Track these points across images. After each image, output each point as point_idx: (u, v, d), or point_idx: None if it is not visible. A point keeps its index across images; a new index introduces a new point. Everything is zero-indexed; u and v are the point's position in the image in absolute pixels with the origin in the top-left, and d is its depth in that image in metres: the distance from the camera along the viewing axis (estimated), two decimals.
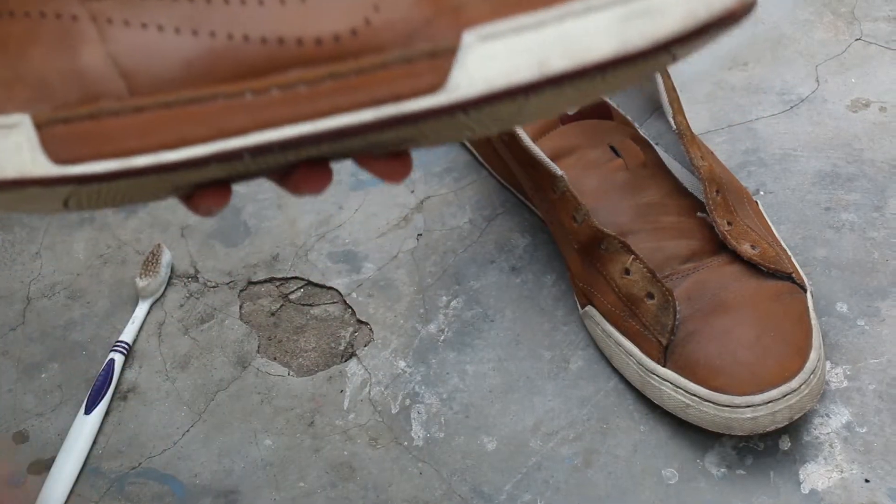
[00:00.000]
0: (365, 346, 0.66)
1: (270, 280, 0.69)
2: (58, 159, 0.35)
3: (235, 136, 0.35)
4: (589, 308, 0.61)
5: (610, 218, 0.60)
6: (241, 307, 0.68)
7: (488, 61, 0.34)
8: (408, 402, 0.62)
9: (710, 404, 0.54)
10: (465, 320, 0.66)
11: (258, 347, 0.67)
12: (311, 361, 0.66)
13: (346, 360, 0.65)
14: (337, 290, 0.68)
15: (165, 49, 0.36)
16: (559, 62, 0.33)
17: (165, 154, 0.35)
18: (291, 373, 0.65)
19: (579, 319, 0.64)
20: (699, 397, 0.55)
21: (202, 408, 0.64)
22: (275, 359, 0.66)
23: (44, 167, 0.35)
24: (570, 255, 0.62)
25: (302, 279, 0.69)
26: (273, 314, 0.68)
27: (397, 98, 0.34)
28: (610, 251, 0.58)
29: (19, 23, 0.37)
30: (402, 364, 0.64)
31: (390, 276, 0.68)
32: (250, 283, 0.69)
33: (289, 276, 0.69)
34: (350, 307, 0.68)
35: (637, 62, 0.34)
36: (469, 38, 0.34)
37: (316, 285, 0.68)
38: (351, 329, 0.67)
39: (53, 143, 0.36)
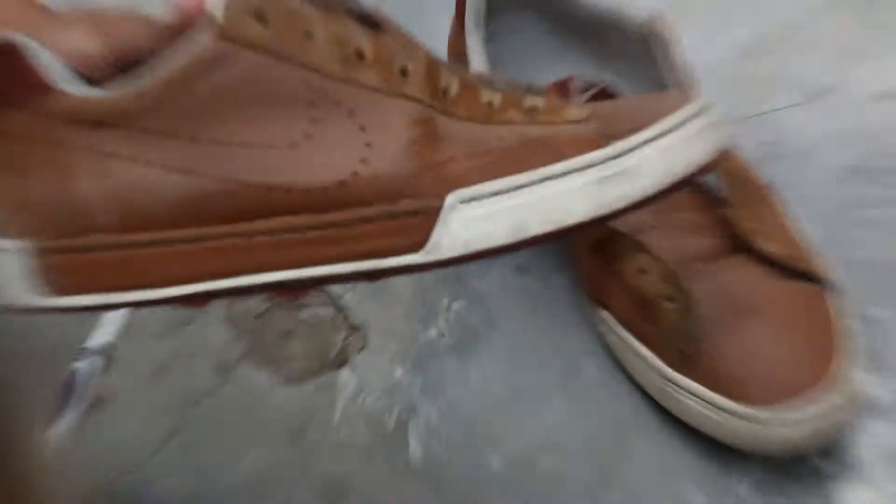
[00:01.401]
0: (358, 352, 0.62)
1: None
2: (48, 289, 0.37)
3: (221, 279, 0.37)
4: (602, 311, 0.58)
5: None
6: (225, 309, 0.65)
7: (469, 224, 0.36)
8: (404, 415, 0.59)
9: (736, 417, 0.50)
10: (468, 324, 0.62)
11: (242, 354, 0.63)
12: (300, 369, 0.61)
13: (337, 368, 0.61)
14: (328, 292, 0.65)
15: (162, 187, 0.37)
16: (537, 227, 0.36)
17: (149, 292, 0.37)
18: (278, 382, 0.61)
19: (591, 324, 0.60)
20: (724, 409, 0.51)
21: (180, 420, 0.60)
22: (260, 366, 0.62)
23: (33, 299, 0.37)
24: (581, 253, 0.59)
25: None
26: (259, 317, 0.65)
27: (379, 254, 0.37)
28: (624, 250, 0.55)
29: (15, 145, 0.37)
30: (398, 372, 0.61)
31: None
32: None
33: None
34: (343, 310, 0.64)
35: (610, 218, 0.37)
36: (452, 198, 0.36)
37: None
38: (343, 334, 0.63)
39: (47, 273, 0.37)
